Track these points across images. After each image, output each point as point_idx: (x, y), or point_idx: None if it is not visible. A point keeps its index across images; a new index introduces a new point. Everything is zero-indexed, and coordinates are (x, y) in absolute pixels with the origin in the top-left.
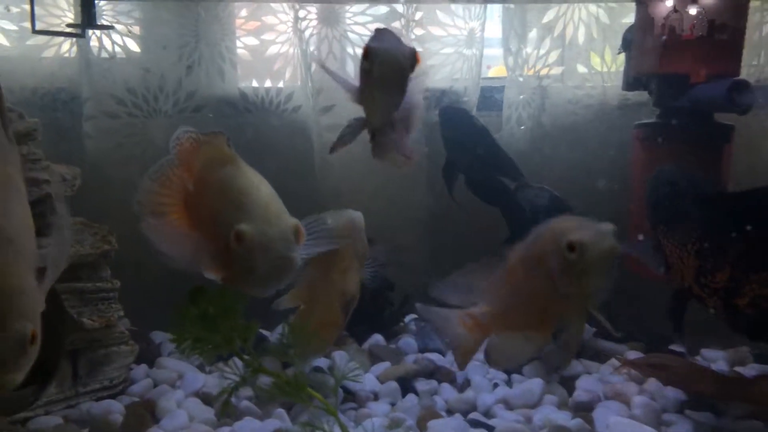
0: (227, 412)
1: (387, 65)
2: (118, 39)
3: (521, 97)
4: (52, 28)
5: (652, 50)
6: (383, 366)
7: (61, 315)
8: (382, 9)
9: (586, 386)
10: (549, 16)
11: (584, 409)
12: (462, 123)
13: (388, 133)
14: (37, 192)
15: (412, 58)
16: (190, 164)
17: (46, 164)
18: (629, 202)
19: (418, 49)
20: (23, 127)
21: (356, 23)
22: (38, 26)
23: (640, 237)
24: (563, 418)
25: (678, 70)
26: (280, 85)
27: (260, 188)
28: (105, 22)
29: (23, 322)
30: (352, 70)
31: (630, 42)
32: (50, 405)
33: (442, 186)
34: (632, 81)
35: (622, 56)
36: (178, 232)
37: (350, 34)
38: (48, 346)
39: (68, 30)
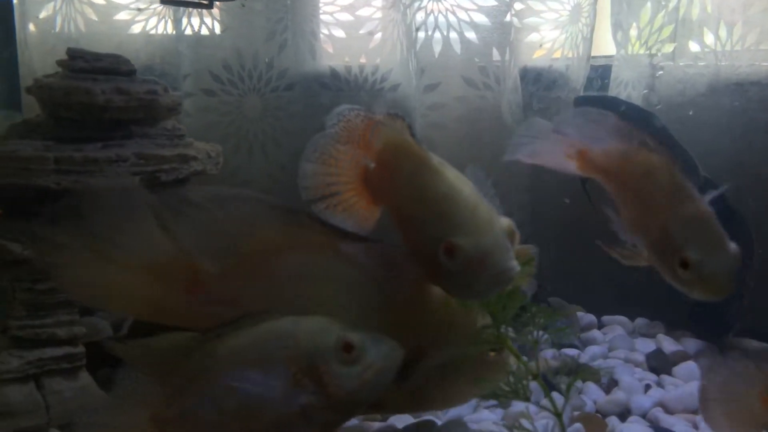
0: None
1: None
2: (216, 14)
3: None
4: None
5: None
6: None
7: None
8: None
9: None
10: None
11: None
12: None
13: None
14: (186, 169)
15: None
16: (365, 142)
17: (190, 140)
18: None
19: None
20: (169, 100)
21: None
22: None
23: None
24: None
25: None
26: (377, 62)
27: (463, 189)
28: None
29: None
30: (458, 48)
31: None
32: None
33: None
34: None
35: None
36: (358, 209)
37: (457, 10)
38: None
39: (196, 1)
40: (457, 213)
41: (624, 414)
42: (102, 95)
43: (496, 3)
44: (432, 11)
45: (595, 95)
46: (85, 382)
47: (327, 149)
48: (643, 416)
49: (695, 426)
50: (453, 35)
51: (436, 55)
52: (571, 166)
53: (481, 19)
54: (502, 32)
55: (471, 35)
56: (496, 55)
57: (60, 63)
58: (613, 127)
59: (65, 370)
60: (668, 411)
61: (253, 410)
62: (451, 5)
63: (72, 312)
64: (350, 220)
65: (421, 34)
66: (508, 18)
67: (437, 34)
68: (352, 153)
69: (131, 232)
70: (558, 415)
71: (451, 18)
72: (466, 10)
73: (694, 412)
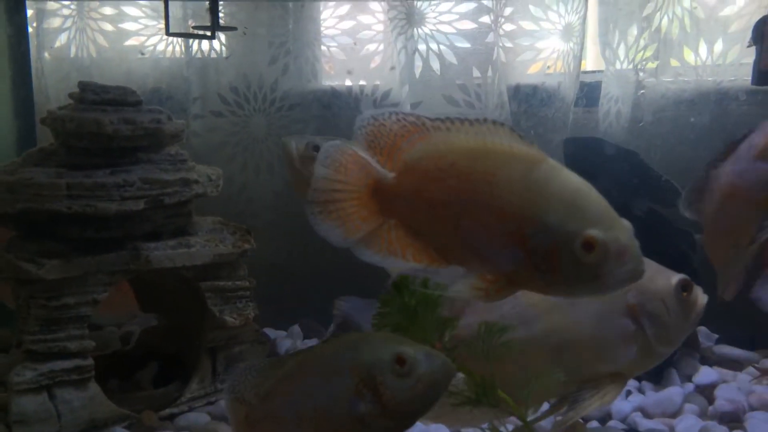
0: None
1: None
2: (222, 39)
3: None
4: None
5: None
6: None
7: (203, 313)
8: (470, 5)
9: (727, 395)
10: (648, 9)
11: (732, 420)
12: (591, 157)
13: None
14: (188, 192)
15: None
16: (394, 149)
17: (192, 164)
18: None
19: None
20: (173, 128)
21: (442, 22)
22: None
23: None
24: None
25: None
26: (377, 83)
27: (591, 186)
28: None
29: None
30: (438, 68)
31: (762, 34)
32: (193, 401)
33: None
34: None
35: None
36: (353, 219)
37: (436, 34)
38: (190, 343)
39: (199, 32)
40: (592, 206)
41: (605, 419)
42: (110, 125)
43: (475, 26)
44: (412, 36)
45: (583, 138)
46: (94, 392)
47: (337, 156)
48: (623, 420)
49: (671, 429)
50: (433, 56)
51: (417, 75)
52: None
53: (460, 40)
54: (483, 52)
55: (450, 56)
56: (477, 73)
57: (72, 96)
58: None
59: (75, 381)
60: (647, 415)
61: (323, 414)
62: (431, 30)
63: (82, 327)
64: (340, 228)
65: (402, 57)
66: (490, 38)
67: (418, 55)
68: (363, 162)
69: None
70: (524, 420)
71: (431, 41)
72: (446, 33)
73: (672, 415)
